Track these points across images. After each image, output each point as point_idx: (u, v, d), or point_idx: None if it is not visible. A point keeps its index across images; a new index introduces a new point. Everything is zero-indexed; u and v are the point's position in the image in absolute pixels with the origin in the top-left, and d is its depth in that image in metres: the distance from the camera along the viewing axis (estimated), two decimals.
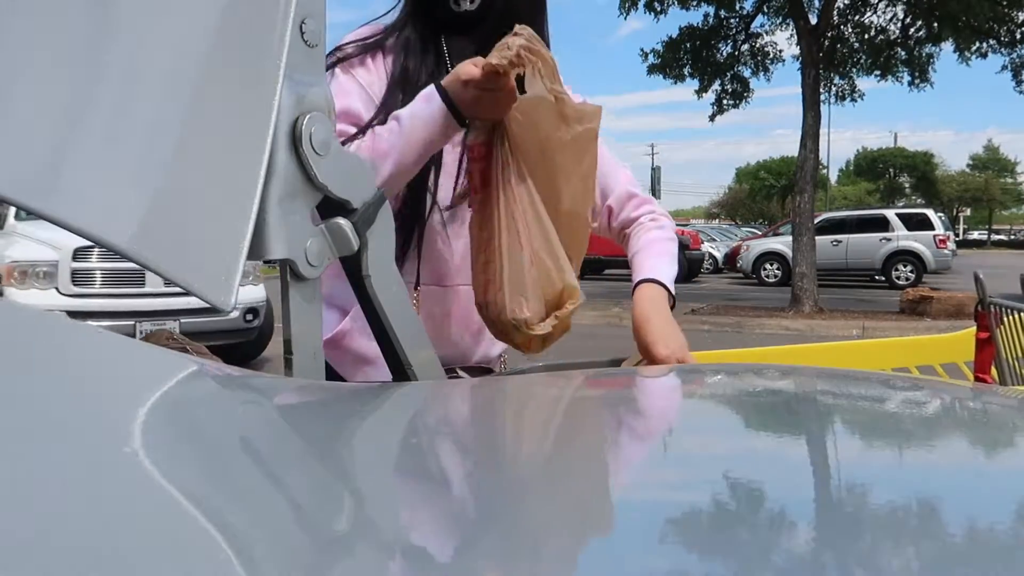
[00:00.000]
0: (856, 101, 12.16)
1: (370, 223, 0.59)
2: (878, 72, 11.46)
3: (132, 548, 0.22)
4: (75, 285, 5.51)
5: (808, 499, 0.33)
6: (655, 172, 13.35)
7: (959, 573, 0.25)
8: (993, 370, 2.23)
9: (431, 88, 0.96)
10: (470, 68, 0.91)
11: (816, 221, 10.93)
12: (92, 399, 0.32)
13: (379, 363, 1.01)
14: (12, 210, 6.16)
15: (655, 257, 1.15)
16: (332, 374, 1.15)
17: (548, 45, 1.01)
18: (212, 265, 0.45)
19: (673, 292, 1.11)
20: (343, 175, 0.56)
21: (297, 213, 0.53)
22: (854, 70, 11.72)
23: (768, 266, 16.50)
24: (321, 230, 0.55)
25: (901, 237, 15.42)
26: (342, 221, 0.56)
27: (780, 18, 11.56)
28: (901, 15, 11.07)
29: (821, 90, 10.89)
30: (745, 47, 11.92)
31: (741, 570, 0.25)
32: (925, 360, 2.16)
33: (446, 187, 1.12)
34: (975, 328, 2.27)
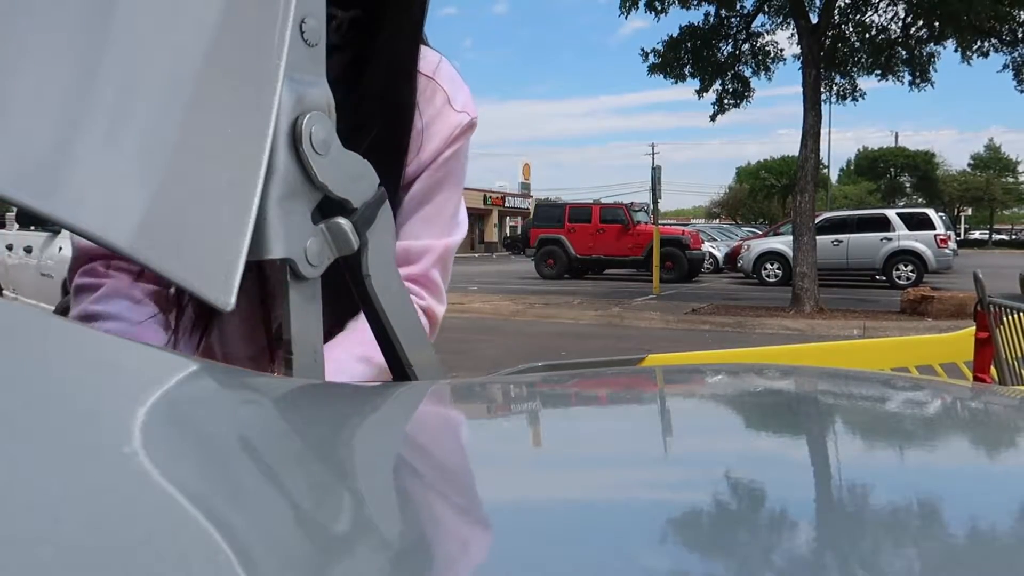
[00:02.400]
0: (857, 100, 12.17)
1: (370, 223, 0.58)
2: (879, 72, 11.46)
3: (132, 549, 0.22)
4: None
5: (808, 499, 0.33)
6: (655, 172, 13.32)
7: (960, 574, 0.25)
8: (992, 370, 2.23)
9: None
10: None
11: (817, 221, 10.94)
12: (90, 399, 0.32)
13: None
14: None
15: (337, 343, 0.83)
16: None
17: (411, 96, 0.85)
18: (212, 265, 0.45)
19: None
20: (343, 175, 0.55)
21: (297, 212, 0.53)
22: (855, 69, 11.72)
23: (769, 266, 16.49)
24: (321, 229, 0.56)
25: (902, 237, 15.41)
26: (342, 221, 0.56)
27: (781, 17, 11.57)
28: (902, 14, 11.08)
29: (822, 89, 10.89)
30: (746, 46, 11.93)
31: (741, 570, 0.25)
32: (925, 360, 2.16)
33: None
34: (975, 328, 2.27)
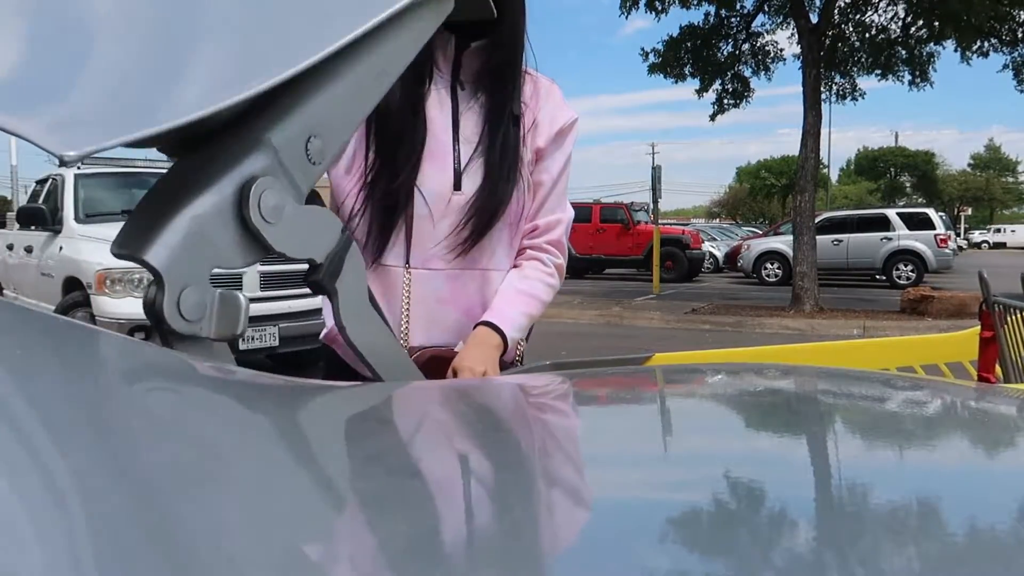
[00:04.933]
0: (857, 100, 12.15)
1: (336, 275, 0.56)
2: (879, 72, 11.45)
3: (127, 547, 0.22)
4: None
5: (808, 499, 0.33)
6: (655, 171, 13.29)
7: (960, 573, 0.25)
8: (997, 368, 2.23)
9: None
10: None
11: (817, 220, 10.92)
12: (90, 397, 0.32)
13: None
14: (70, 212, 5.94)
15: (511, 301, 1.23)
16: (342, 365, 1.19)
17: (523, 45, 1.19)
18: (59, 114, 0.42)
19: (508, 337, 1.19)
20: (301, 235, 0.52)
21: (216, 249, 0.47)
22: (855, 69, 11.70)
23: (769, 265, 16.48)
24: (214, 292, 0.49)
25: (902, 236, 15.40)
26: (242, 300, 0.50)
27: (781, 17, 11.55)
28: (902, 14, 11.06)
29: (822, 89, 10.88)
30: (746, 46, 11.91)
31: (741, 570, 0.25)
32: (930, 359, 2.17)
33: (431, 174, 1.16)
34: (979, 327, 2.27)
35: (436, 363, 1.15)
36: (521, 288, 1.24)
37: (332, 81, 0.51)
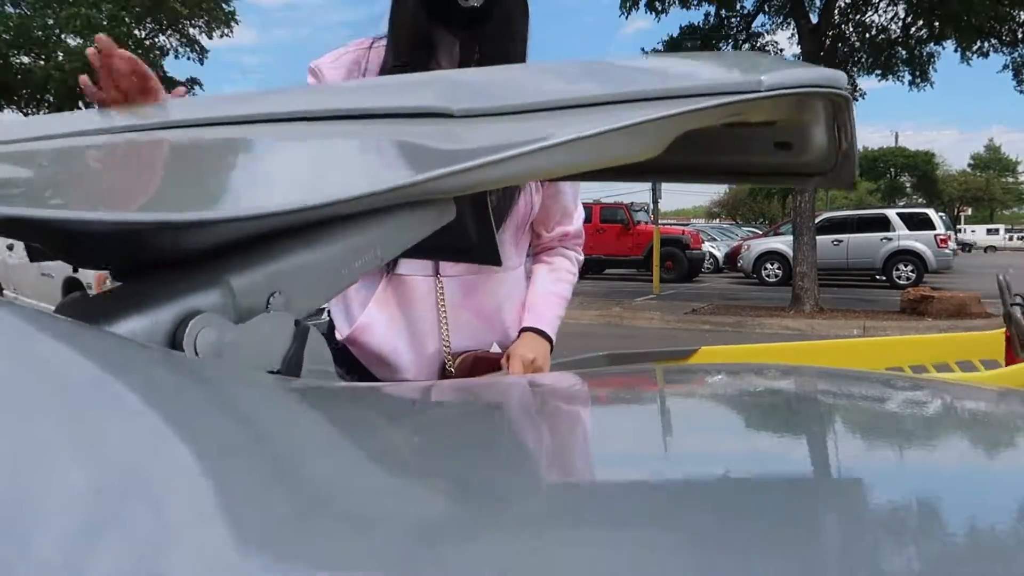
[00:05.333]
0: (857, 100, 12.16)
1: (299, 368, 0.51)
2: (879, 72, 11.46)
3: (131, 547, 0.22)
4: None
5: (810, 499, 0.33)
6: None
7: (960, 573, 0.25)
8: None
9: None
10: None
11: (817, 221, 10.93)
12: (92, 398, 0.32)
13: (392, 363, 1.11)
14: None
15: (550, 305, 1.33)
16: (359, 368, 1.22)
17: (526, 47, 1.17)
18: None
19: (553, 338, 1.30)
20: (248, 358, 0.47)
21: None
22: (855, 69, 11.72)
23: (769, 266, 16.48)
24: None
25: (902, 237, 15.40)
26: None
27: (781, 17, 11.56)
28: (902, 14, 11.07)
29: None
30: (746, 47, 11.92)
31: (741, 570, 0.25)
32: (964, 356, 2.24)
33: None
34: (1004, 328, 2.32)
35: (482, 365, 1.20)
36: (555, 291, 1.33)
37: (308, 247, 0.49)
